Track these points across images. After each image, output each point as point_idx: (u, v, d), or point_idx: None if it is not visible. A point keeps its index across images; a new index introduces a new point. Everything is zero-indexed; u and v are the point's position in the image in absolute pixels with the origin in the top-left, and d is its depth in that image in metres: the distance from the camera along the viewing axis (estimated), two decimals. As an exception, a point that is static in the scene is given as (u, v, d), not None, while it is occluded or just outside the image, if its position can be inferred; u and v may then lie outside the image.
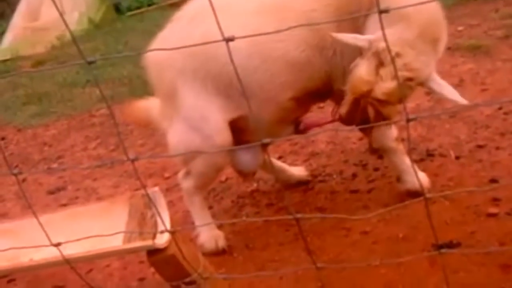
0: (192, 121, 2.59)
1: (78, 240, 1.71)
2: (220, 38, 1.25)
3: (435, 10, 2.40)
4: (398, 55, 2.23)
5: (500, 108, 3.44)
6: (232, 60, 1.34)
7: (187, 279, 1.91)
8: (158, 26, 2.73)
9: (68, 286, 2.76)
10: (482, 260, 2.26)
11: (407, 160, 2.71)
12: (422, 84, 2.33)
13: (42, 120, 5.41)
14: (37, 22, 9.67)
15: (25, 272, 2.79)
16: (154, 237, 1.93)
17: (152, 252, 1.94)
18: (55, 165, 4.36)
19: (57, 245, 1.63)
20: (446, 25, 2.44)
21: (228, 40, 1.24)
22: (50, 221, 1.89)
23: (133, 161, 1.42)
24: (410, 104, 3.61)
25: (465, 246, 2.39)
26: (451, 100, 2.34)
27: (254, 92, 2.50)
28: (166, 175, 3.68)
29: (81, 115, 5.28)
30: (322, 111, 3.36)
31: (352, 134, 3.49)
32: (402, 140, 2.81)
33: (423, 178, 2.73)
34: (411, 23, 2.27)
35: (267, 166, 3.01)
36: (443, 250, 1.50)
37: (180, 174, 2.82)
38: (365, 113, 2.29)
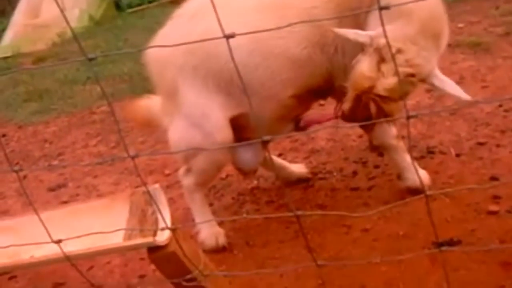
0: (193, 118, 2.59)
1: (78, 237, 1.70)
2: (221, 35, 1.25)
3: (436, 6, 2.40)
4: (400, 51, 2.23)
5: (500, 106, 3.44)
6: (232, 58, 1.34)
7: (188, 276, 1.91)
8: (158, 23, 2.73)
9: (68, 283, 2.76)
10: (483, 258, 2.26)
11: (407, 158, 2.71)
12: (424, 80, 2.33)
13: (43, 117, 5.41)
14: (38, 19, 9.66)
15: (26, 269, 2.79)
16: (154, 234, 1.93)
17: (153, 249, 1.94)
18: (55, 162, 4.36)
19: (58, 242, 1.63)
20: (447, 21, 2.43)
21: (229, 37, 1.24)
22: (51, 218, 1.89)
23: (133, 158, 1.42)
24: (410, 101, 3.60)
25: (466, 244, 2.39)
26: (454, 95, 2.33)
27: (255, 89, 2.50)
28: (167, 172, 3.68)
29: (82, 112, 5.28)
30: (322, 109, 3.35)
31: (352, 131, 3.49)
32: (403, 137, 2.81)
33: (424, 176, 2.73)
34: (412, 18, 2.27)
35: (268, 164, 3.01)
36: (443, 248, 1.50)
37: (181, 171, 2.82)
38: (367, 110, 2.29)
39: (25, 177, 4.09)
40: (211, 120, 2.56)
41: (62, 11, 1.51)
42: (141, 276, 2.71)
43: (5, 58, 8.62)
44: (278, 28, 1.52)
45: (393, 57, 2.19)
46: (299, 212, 1.40)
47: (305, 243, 2.37)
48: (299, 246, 2.61)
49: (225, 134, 2.57)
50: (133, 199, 2.23)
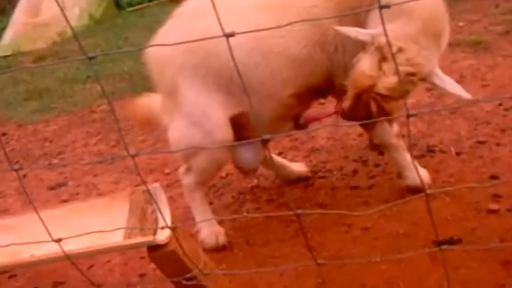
0: (193, 117, 2.59)
1: (78, 235, 1.70)
2: (221, 34, 1.25)
3: (437, 5, 2.40)
4: (401, 50, 2.23)
5: (500, 104, 3.44)
6: (232, 56, 1.33)
7: (188, 275, 1.91)
8: (158, 22, 2.73)
9: (69, 281, 2.76)
10: (483, 257, 2.26)
11: (407, 156, 2.71)
12: (424, 79, 2.33)
13: (43, 115, 5.41)
14: (38, 18, 9.66)
15: (26, 268, 2.79)
16: (154, 233, 1.93)
17: (153, 248, 1.93)
18: (55, 161, 4.36)
19: (58, 240, 1.63)
20: (448, 20, 2.43)
21: (229, 35, 1.24)
22: (51, 216, 1.89)
23: (133, 157, 1.42)
24: (411, 100, 3.60)
25: (466, 243, 2.38)
26: (454, 94, 2.34)
27: (255, 88, 2.50)
28: (167, 171, 3.68)
29: (82, 111, 5.28)
30: (322, 107, 3.35)
31: (352, 130, 3.49)
32: (403, 136, 2.81)
33: (424, 174, 2.73)
34: (414, 17, 2.27)
35: (268, 162, 3.01)
36: (443, 247, 1.50)
37: (181, 170, 2.82)
38: (367, 108, 2.29)
39: (25, 176, 4.09)
40: (211, 119, 2.56)
41: (62, 10, 1.51)
42: (141, 275, 2.71)
43: (5, 56, 8.62)
44: (278, 27, 1.52)
45: (393, 56, 2.19)
46: (299, 211, 1.40)
47: (305, 242, 2.37)
48: (299, 245, 2.61)
49: (225, 133, 2.57)
50: (133, 198, 2.23)
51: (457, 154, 3.08)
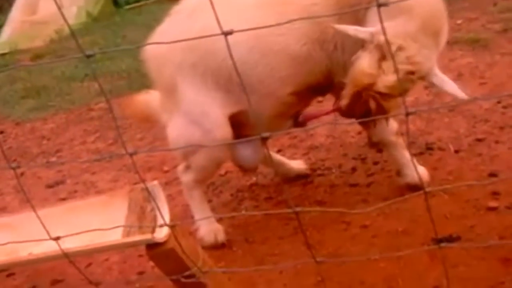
0: (192, 115, 2.58)
1: (77, 234, 1.70)
2: (219, 32, 1.25)
3: (437, 3, 2.39)
4: (400, 48, 2.22)
5: (499, 102, 3.44)
6: (231, 55, 1.33)
7: (187, 273, 1.91)
8: (156, 20, 2.72)
9: (67, 280, 2.76)
10: (482, 254, 2.26)
11: (406, 154, 2.71)
12: (423, 77, 2.33)
13: (41, 114, 5.40)
14: (36, 16, 9.65)
15: (24, 266, 2.78)
16: (153, 231, 1.93)
17: (151, 246, 1.93)
18: (53, 159, 4.35)
19: (56, 239, 1.62)
20: (447, 18, 2.43)
21: (227, 33, 1.23)
22: (49, 215, 1.89)
23: (131, 155, 1.42)
24: (409, 98, 3.61)
25: (465, 240, 2.39)
26: (452, 94, 2.34)
27: (254, 86, 2.49)
28: (165, 168, 3.67)
29: (80, 109, 5.27)
30: (321, 105, 3.35)
31: (351, 127, 3.48)
32: (401, 134, 2.81)
33: (423, 172, 2.73)
34: (413, 15, 2.27)
35: (266, 160, 3.00)
36: (442, 244, 1.50)
37: (180, 168, 2.81)
38: (366, 106, 2.29)
39: (22, 174, 4.08)
40: (210, 117, 2.56)
41: (59, 8, 1.51)
42: (140, 273, 2.70)
43: (3, 54, 8.61)
44: (278, 24, 1.51)
45: (392, 55, 2.19)
46: (298, 209, 1.40)
47: (304, 239, 2.37)
48: (298, 243, 2.60)
49: (224, 131, 2.57)
50: (132, 196, 2.22)
51: (456, 151, 3.08)
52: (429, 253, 2.30)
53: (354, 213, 2.60)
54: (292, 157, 3.36)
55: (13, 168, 1.56)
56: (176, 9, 2.65)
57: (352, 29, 2.32)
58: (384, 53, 2.21)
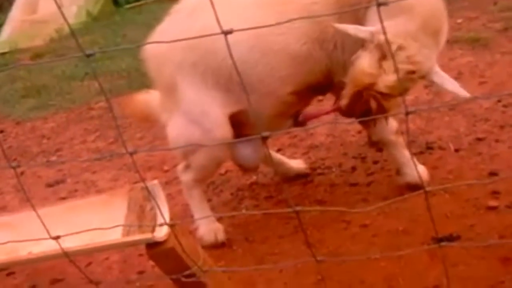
0: (192, 115, 2.58)
1: (77, 233, 1.70)
2: (219, 31, 1.24)
3: (436, 2, 2.39)
4: (401, 47, 2.22)
5: (499, 101, 3.44)
6: (231, 54, 1.33)
7: (187, 272, 1.91)
8: (156, 19, 2.72)
9: (67, 279, 2.76)
10: (482, 253, 2.26)
11: (406, 153, 2.71)
12: (424, 77, 2.33)
13: (41, 113, 5.40)
14: (36, 15, 9.64)
15: (24, 265, 2.78)
16: (153, 230, 1.93)
17: (151, 245, 1.93)
18: (54, 158, 4.35)
19: (56, 238, 1.62)
20: (447, 17, 2.43)
21: (227, 33, 1.23)
22: (49, 214, 1.89)
23: (131, 154, 1.42)
24: (409, 97, 3.60)
25: (465, 239, 2.39)
26: (453, 93, 2.34)
27: (254, 86, 2.49)
28: (165, 168, 3.67)
29: (80, 108, 5.27)
30: (321, 104, 3.35)
31: (351, 127, 3.48)
32: (401, 133, 2.81)
33: (423, 171, 2.73)
34: (414, 14, 2.26)
35: (266, 159, 3.00)
36: (443, 243, 1.49)
37: (180, 167, 2.81)
38: (366, 106, 2.29)
39: (22, 173, 4.08)
40: (210, 117, 2.56)
41: (59, 7, 1.51)
42: (140, 272, 2.70)
43: (3, 54, 8.61)
44: (277, 23, 1.51)
45: (393, 54, 2.19)
46: (298, 208, 1.39)
47: (304, 238, 2.37)
48: (298, 242, 2.60)
49: (224, 131, 2.56)
50: (132, 195, 2.22)
51: (456, 150, 3.07)
52: (429, 252, 2.30)
53: (354, 212, 2.60)
54: (292, 156, 3.36)
55: (13, 167, 1.56)
56: (176, 9, 2.65)
57: (352, 29, 2.32)
58: (384, 53, 2.21)
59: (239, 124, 2.62)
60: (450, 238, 2.39)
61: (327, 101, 3.16)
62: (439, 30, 2.37)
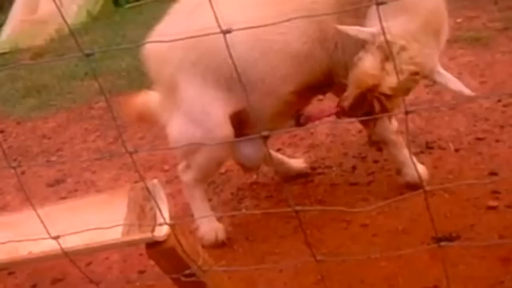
0: (193, 114, 2.58)
1: (77, 232, 1.70)
2: (219, 31, 1.25)
3: (437, 1, 2.39)
4: (403, 48, 2.22)
5: (499, 101, 3.44)
6: (230, 53, 1.33)
7: (187, 272, 1.91)
8: (156, 19, 2.72)
9: (67, 278, 2.76)
10: (482, 253, 2.26)
11: (406, 153, 2.72)
12: (426, 76, 2.33)
13: (41, 112, 5.40)
14: (36, 15, 9.63)
15: (24, 265, 2.78)
16: (153, 229, 1.93)
17: (151, 245, 1.93)
18: (54, 158, 4.35)
19: (56, 237, 1.62)
20: (447, 17, 2.43)
21: (226, 32, 1.23)
22: (49, 213, 1.88)
23: (132, 154, 1.42)
24: (409, 97, 3.57)
25: (465, 239, 2.39)
26: (456, 91, 2.34)
27: (255, 85, 2.49)
28: (166, 167, 3.67)
29: (80, 108, 5.26)
30: (321, 104, 3.35)
31: (352, 126, 3.48)
32: (401, 132, 2.81)
33: (423, 171, 2.73)
34: (415, 14, 2.26)
35: (267, 159, 3.00)
36: (442, 243, 1.49)
37: (180, 167, 2.81)
38: (368, 106, 2.28)
39: (23, 173, 4.08)
40: (211, 116, 2.56)
41: (59, 7, 1.51)
42: (140, 272, 2.70)
43: (3, 53, 8.60)
44: (277, 22, 1.51)
45: (394, 55, 2.19)
46: (298, 207, 1.39)
47: (304, 238, 2.36)
48: (299, 241, 2.60)
49: (225, 130, 2.56)
50: (132, 194, 2.22)
51: (456, 150, 3.07)
52: (429, 252, 2.30)
53: (355, 212, 2.60)
54: (292, 156, 3.36)
55: (14, 167, 1.56)
56: (176, 8, 2.65)
57: (353, 30, 2.31)
58: (387, 54, 2.20)
59: (240, 124, 2.62)
60: (450, 238, 2.39)
61: (327, 101, 3.16)
62: (440, 30, 2.37)
